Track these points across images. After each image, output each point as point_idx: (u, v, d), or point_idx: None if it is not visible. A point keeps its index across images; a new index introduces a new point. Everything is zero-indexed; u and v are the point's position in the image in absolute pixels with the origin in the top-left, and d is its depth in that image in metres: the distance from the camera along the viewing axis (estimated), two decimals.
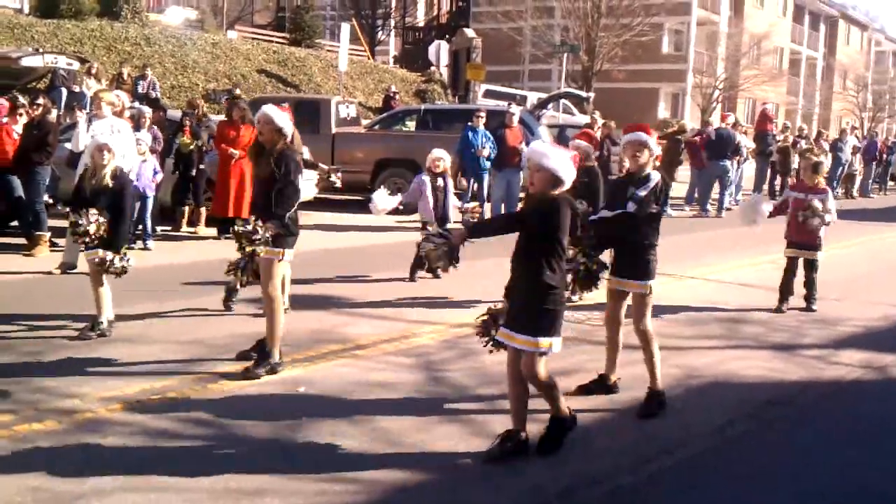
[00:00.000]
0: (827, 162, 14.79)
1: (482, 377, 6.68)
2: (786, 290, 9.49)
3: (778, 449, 5.70)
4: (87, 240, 7.34)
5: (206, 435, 5.45)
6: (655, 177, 5.98)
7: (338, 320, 8.41)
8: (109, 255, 7.37)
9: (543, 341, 5.00)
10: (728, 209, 19.17)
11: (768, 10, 49.67)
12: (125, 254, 7.56)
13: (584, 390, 6.33)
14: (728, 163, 19.11)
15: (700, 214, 18.75)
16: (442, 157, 10.27)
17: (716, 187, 19.33)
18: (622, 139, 6.29)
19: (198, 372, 6.58)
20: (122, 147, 10.33)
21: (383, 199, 9.43)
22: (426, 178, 10.20)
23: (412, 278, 10.23)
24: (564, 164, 5.05)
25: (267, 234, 6.42)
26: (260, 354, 6.64)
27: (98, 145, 7.58)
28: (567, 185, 5.08)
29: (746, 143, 20.94)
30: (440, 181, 10.20)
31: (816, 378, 7.20)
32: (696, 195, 19.82)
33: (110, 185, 7.46)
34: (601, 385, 6.39)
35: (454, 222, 10.04)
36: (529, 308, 5.02)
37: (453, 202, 10.36)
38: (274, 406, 6.00)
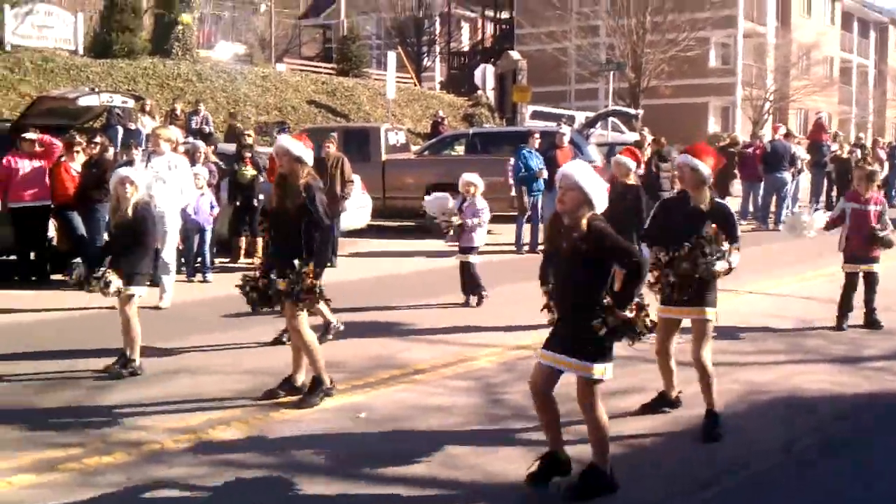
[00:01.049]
0: (883, 171, 14.53)
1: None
2: (845, 306, 9.21)
3: (845, 466, 5.60)
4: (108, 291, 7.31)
5: (270, 463, 5.50)
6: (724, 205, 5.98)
7: (395, 346, 8.46)
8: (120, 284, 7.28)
9: (599, 368, 4.85)
10: (783, 222, 18.86)
11: (816, 19, 49.07)
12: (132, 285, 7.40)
13: (647, 408, 6.29)
14: (786, 174, 18.86)
15: (759, 228, 18.51)
16: (469, 181, 10.37)
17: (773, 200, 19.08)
18: (676, 160, 6.27)
19: (259, 402, 6.65)
20: (180, 182, 10.60)
21: (439, 200, 9.72)
22: (459, 198, 10.43)
23: (467, 301, 10.30)
24: (598, 188, 4.92)
25: (308, 283, 6.38)
26: (312, 383, 6.65)
27: (120, 178, 7.50)
28: (598, 210, 4.93)
29: (802, 154, 20.66)
30: (466, 202, 10.34)
31: (883, 391, 7.06)
32: (751, 209, 19.59)
33: (133, 218, 7.43)
34: (664, 401, 6.35)
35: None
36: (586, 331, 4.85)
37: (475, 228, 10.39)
38: (336, 433, 6.05)
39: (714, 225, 5.84)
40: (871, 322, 9.24)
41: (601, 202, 4.92)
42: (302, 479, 5.22)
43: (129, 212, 7.44)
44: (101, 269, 7.31)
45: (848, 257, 9.27)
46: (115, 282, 7.27)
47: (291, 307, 6.52)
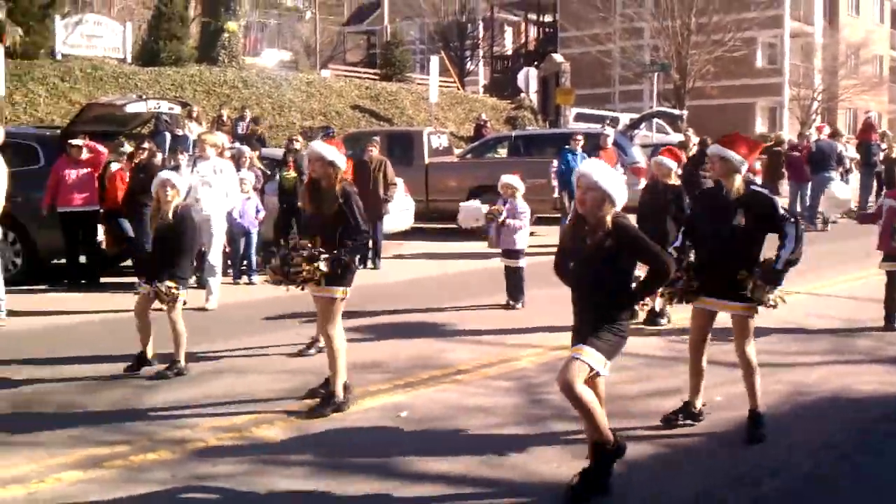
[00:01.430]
0: None
1: None
2: (892, 305, 9.04)
3: (892, 465, 5.51)
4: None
5: (313, 461, 5.55)
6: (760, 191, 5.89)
7: (437, 346, 8.49)
8: (164, 286, 7.40)
9: (595, 354, 4.81)
10: (834, 222, 18.65)
11: (864, 17, 48.28)
12: (179, 287, 7.52)
13: (667, 421, 6.04)
14: (833, 174, 18.57)
15: (808, 228, 18.22)
16: (509, 183, 10.30)
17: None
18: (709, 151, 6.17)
19: (303, 400, 6.71)
20: (226, 186, 10.76)
21: (472, 209, 9.70)
22: (500, 201, 10.38)
23: (509, 304, 10.28)
24: (616, 184, 4.90)
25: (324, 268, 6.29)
26: (326, 394, 6.56)
27: (161, 181, 7.56)
28: (619, 206, 4.91)
29: (851, 153, 20.34)
30: (508, 204, 10.25)
31: None
32: (799, 209, 19.34)
33: (174, 221, 7.51)
34: (686, 413, 6.08)
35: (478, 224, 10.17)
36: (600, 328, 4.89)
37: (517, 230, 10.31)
38: (379, 431, 6.10)
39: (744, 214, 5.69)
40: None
41: (621, 198, 4.91)
42: (344, 477, 5.26)
43: (171, 215, 7.52)
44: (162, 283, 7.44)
45: (886, 255, 9.08)
46: (178, 292, 7.48)
47: (323, 313, 6.50)
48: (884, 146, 21.73)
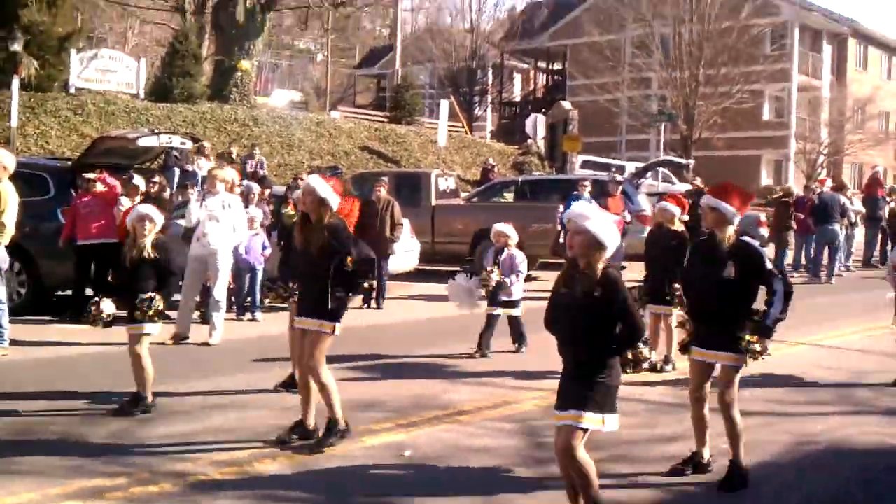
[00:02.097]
0: None
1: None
2: None
3: None
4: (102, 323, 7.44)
5: (317, 498, 5.53)
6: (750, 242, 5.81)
7: (439, 387, 8.45)
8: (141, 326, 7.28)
9: (591, 417, 4.74)
10: (839, 275, 18.66)
11: (871, 73, 48.66)
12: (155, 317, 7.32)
13: (674, 472, 5.92)
14: (836, 226, 18.61)
15: (811, 280, 18.23)
16: (502, 232, 10.09)
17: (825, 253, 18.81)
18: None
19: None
20: (233, 221, 10.80)
21: (461, 290, 9.62)
22: (491, 250, 10.23)
23: (517, 349, 10.16)
24: (606, 228, 4.82)
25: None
26: (328, 424, 6.46)
27: (140, 215, 7.39)
28: (609, 251, 4.82)
29: (857, 206, 20.39)
30: (504, 254, 10.04)
31: None
32: (803, 261, 19.35)
33: (152, 255, 7.34)
34: (694, 465, 5.97)
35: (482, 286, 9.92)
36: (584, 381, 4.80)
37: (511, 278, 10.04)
38: (382, 468, 6.07)
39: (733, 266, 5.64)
40: None
41: (612, 242, 4.81)
42: None
43: (150, 250, 7.35)
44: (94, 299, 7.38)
45: None
46: (108, 308, 7.38)
47: (311, 348, 6.40)
48: (889, 200, 21.79)
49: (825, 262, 18.71)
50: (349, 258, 6.32)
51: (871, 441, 6.90)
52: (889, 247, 21.67)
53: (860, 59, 48.53)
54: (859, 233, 21.71)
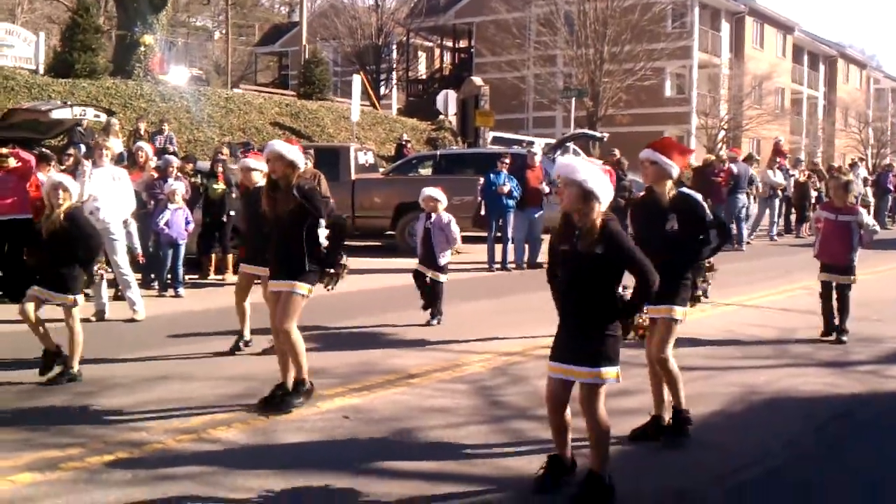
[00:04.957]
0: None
1: (540, 399, 6.61)
2: (829, 314, 9.22)
3: (847, 460, 5.66)
4: None
5: (277, 461, 5.39)
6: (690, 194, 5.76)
7: (383, 354, 8.37)
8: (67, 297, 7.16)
9: (608, 371, 4.66)
10: (748, 243, 19.22)
11: (768, 51, 50.16)
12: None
13: (638, 434, 5.82)
14: (745, 197, 19.18)
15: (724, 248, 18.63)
16: (431, 196, 10.05)
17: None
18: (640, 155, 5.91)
19: (253, 405, 6.50)
20: (122, 194, 10.35)
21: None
22: (422, 216, 10.19)
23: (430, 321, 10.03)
24: (597, 179, 4.67)
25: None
26: (295, 385, 6.44)
27: (53, 184, 7.26)
28: (603, 202, 4.67)
29: (770, 179, 20.95)
30: (431, 219, 10.01)
31: (876, 391, 7.17)
32: None
33: (65, 225, 7.17)
34: (657, 427, 5.87)
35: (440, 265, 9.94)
36: (592, 336, 4.67)
37: (444, 243, 10.03)
38: (341, 430, 5.98)
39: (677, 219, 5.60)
40: (839, 333, 9.21)
41: (606, 195, 4.66)
42: (311, 475, 5.13)
43: (62, 219, 7.17)
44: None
45: (822, 266, 9.29)
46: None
47: (284, 307, 6.32)
48: (793, 172, 22.48)
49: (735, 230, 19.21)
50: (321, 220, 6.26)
51: (815, 390, 7.13)
52: (794, 215, 22.51)
53: (757, 37, 49.95)
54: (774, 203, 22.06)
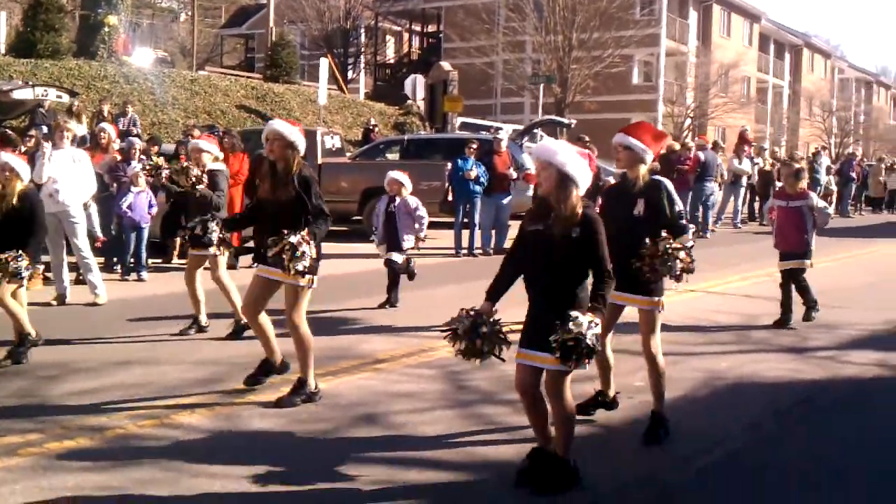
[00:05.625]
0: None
1: (507, 384, 6.62)
2: (787, 302, 9.30)
3: (808, 444, 5.73)
4: None
5: (241, 446, 5.37)
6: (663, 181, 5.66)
7: (351, 339, 8.35)
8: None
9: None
10: (712, 230, 19.37)
11: (735, 40, 50.48)
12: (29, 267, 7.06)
13: (582, 410, 5.72)
14: (712, 184, 19.34)
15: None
16: (395, 179, 9.99)
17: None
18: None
19: (217, 390, 6.49)
20: (82, 176, 10.18)
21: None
22: (384, 198, 10.12)
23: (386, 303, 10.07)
24: (575, 162, 4.56)
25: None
26: (297, 383, 6.20)
27: (0, 164, 7.18)
28: (581, 187, 4.58)
29: (735, 167, 21.12)
30: (394, 204, 9.96)
31: (835, 376, 7.26)
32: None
33: (18, 206, 7.09)
34: (600, 403, 5.97)
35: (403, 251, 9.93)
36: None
37: (410, 227, 10.03)
38: (308, 415, 5.94)
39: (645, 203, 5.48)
40: (809, 310, 9.43)
41: (583, 178, 4.58)
42: (275, 461, 5.10)
43: (14, 199, 7.10)
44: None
45: (781, 255, 9.37)
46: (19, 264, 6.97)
47: (292, 301, 6.11)
48: (758, 160, 22.66)
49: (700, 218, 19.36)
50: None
51: (777, 376, 7.21)
52: (757, 203, 22.70)
53: (724, 26, 50.25)
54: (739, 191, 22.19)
